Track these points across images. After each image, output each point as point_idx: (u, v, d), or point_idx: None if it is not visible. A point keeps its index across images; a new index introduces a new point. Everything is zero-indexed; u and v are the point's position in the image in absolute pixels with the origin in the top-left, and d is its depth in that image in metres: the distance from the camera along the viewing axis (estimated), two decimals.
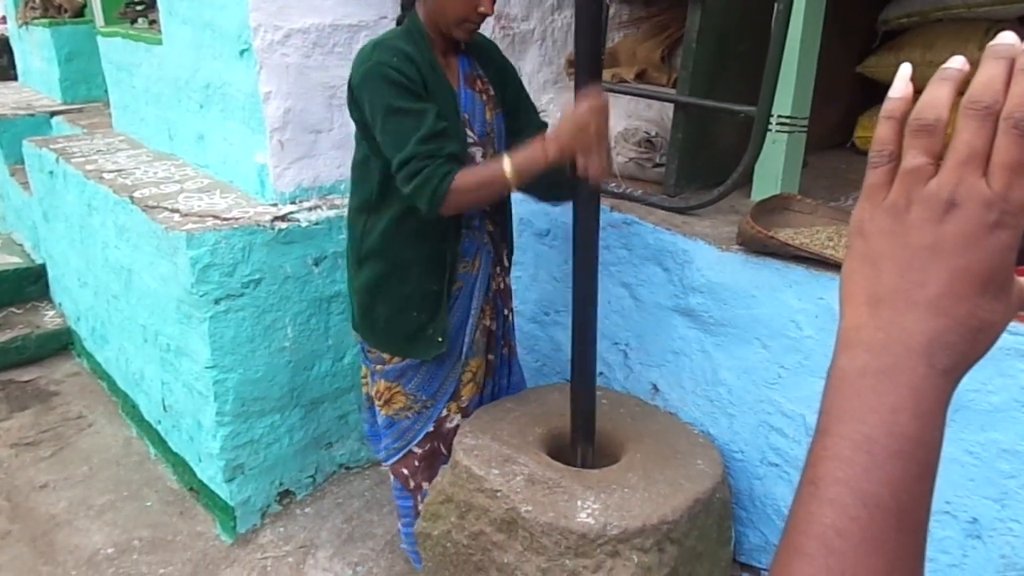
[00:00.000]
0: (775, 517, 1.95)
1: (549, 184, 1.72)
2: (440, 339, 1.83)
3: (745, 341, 1.90)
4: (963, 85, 0.44)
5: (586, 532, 1.60)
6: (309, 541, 2.42)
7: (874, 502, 0.42)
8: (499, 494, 1.71)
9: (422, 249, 1.78)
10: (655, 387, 2.15)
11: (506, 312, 2.05)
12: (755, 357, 1.89)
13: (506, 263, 2.02)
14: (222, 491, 2.42)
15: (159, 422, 2.80)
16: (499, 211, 1.96)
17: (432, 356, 1.85)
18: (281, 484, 2.53)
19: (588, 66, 1.57)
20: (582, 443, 1.84)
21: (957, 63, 0.44)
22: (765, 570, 2.04)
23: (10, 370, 3.49)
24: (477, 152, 1.78)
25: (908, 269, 0.44)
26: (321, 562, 2.34)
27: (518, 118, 1.87)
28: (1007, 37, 0.42)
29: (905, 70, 0.46)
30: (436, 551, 1.86)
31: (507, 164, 1.57)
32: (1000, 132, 0.41)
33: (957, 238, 0.42)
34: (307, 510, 2.54)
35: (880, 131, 0.46)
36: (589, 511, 1.64)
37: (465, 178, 1.59)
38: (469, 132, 1.76)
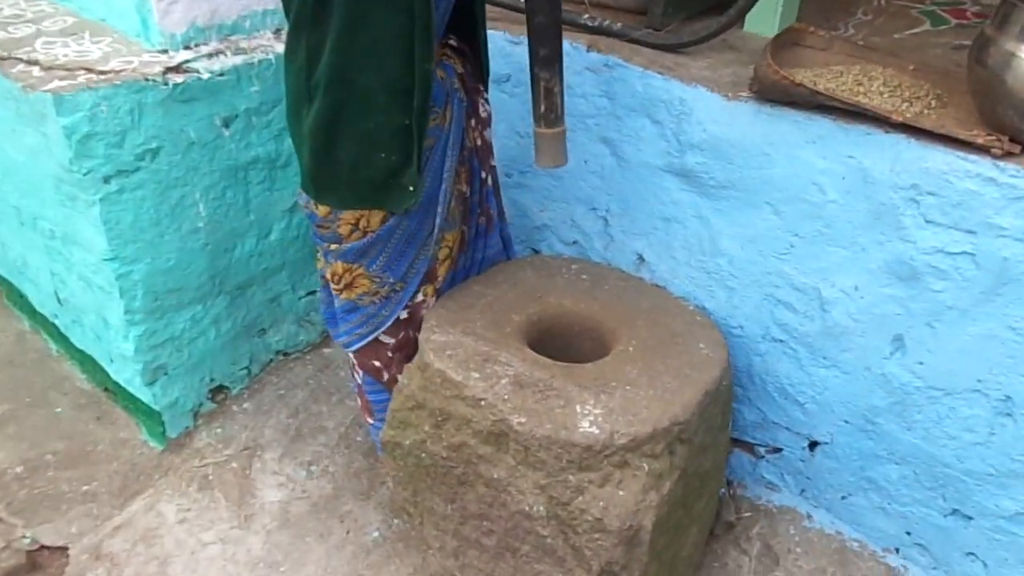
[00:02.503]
0: (776, 394, 1.79)
1: None
2: (412, 188, 1.49)
3: (753, 206, 1.65)
4: None
5: (591, 444, 1.39)
6: (252, 442, 2.16)
7: None
8: (483, 403, 1.46)
9: (384, 70, 1.38)
10: (640, 257, 1.89)
11: (483, 174, 1.72)
12: (764, 224, 1.64)
13: (482, 114, 1.66)
14: (143, 395, 2.11)
15: (55, 316, 2.40)
16: (469, 46, 1.60)
17: (405, 207, 1.51)
18: (212, 380, 2.22)
19: None
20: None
21: None
22: (760, 445, 1.92)
23: None
24: None
25: None
26: (269, 464, 2.10)
27: None
28: None
29: None
30: (409, 461, 1.64)
31: None
32: None
33: None
34: (245, 406, 2.27)
35: None
36: (591, 418, 1.42)
37: None
38: None
